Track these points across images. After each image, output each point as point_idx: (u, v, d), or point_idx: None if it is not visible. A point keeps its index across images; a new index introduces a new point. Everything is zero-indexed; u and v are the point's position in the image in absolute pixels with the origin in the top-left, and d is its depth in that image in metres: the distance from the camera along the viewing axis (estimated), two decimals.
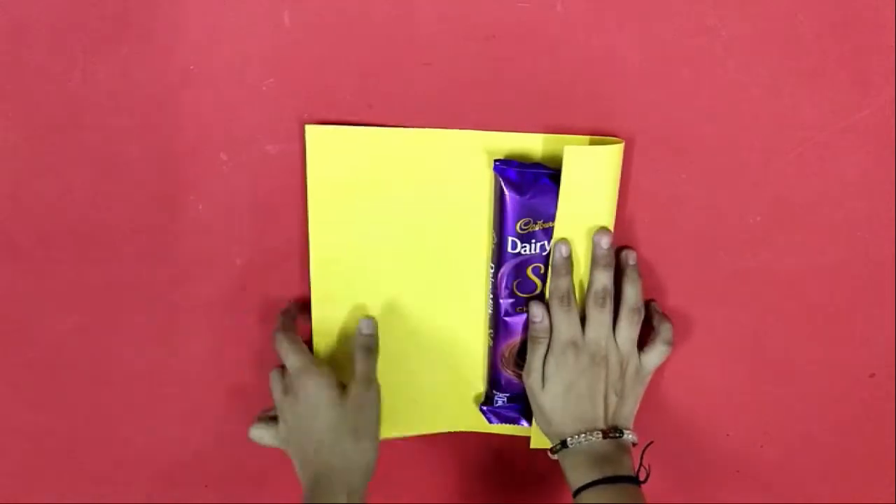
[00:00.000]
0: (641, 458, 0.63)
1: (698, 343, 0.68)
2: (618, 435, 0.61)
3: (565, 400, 0.62)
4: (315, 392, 0.62)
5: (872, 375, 0.69)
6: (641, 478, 0.61)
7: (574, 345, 0.61)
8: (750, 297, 0.66)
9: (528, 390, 0.64)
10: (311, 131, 0.60)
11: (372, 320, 0.65)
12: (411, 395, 0.68)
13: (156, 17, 0.58)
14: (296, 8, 0.58)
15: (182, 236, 0.64)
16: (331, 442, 0.62)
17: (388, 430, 0.68)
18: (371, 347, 0.65)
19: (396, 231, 0.63)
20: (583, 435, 0.61)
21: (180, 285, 0.66)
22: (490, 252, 0.63)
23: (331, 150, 0.60)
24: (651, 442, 0.64)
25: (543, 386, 0.62)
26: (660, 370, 0.67)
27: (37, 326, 0.68)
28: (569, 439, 0.61)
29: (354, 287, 0.65)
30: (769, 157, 0.62)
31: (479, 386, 0.69)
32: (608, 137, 0.60)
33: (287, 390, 0.64)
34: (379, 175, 0.61)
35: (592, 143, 0.59)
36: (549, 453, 0.63)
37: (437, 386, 0.68)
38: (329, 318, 0.66)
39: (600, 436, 0.61)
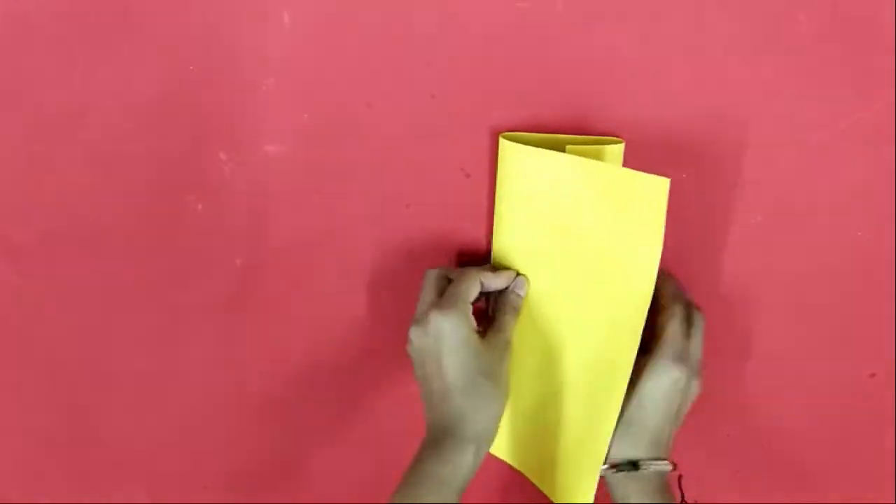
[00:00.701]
0: (681, 489, 0.60)
1: None
2: (673, 464, 0.58)
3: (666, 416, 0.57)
4: (450, 329, 0.56)
5: (872, 375, 0.69)
6: None
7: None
8: (750, 297, 0.66)
9: None
10: (504, 146, 0.58)
11: (526, 281, 0.61)
12: (530, 431, 0.65)
13: (156, 17, 0.58)
14: (296, 8, 0.58)
15: (182, 236, 0.64)
16: (463, 384, 0.55)
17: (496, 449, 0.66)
18: (518, 308, 0.60)
19: (559, 257, 0.60)
20: (655, 461, 0.57)
21: (180, 285, 0.66)
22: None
23: (519, 164, 0.58)
24: (681, 475, 0.61)
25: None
26: None
27: (37, 326, 0.68)
28: (641, 462, 0.57)
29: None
30: (769, 157, 0.62)
31: (596, 458, 0.60)
32: (608, 137, 0.60)
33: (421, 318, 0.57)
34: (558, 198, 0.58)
35: (594, 143, 0.59)
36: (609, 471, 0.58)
37: (555, 441, 0.63)
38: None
39: (668, 466, 0.57)
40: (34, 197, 0.63)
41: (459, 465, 0.54)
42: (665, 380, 0.56)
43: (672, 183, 0.62)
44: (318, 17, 0.58)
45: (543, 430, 0.64)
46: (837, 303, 0.66)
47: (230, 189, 0.63)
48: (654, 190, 0.52)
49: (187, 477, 0.74)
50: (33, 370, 0.69)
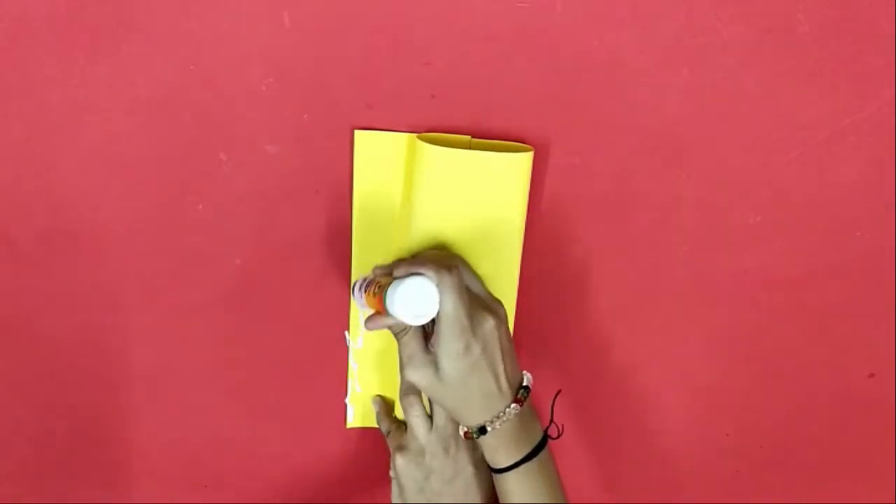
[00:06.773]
0: (552, 414, 0.60)
1: (698, 343, 0.68)
2: (523, 393, 0.58)
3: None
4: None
5: (872, 375, 0.69)
6: (553, 435, 0.59)
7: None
8: (750, 297, 0.66)
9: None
10: (359, 136, 0.61)
11: None
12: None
13: (156, 17, 0.58)
14: (296, 8, 0.58)
15: (182, 236, 0.64)
16: None
17: (371, 421, 0.69)
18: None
19: (424, 235, 0.62)
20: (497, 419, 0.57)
21: (180, 285, 0.66)
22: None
23: (375, 154, 0.61)
24: (560, 391, 0.61)
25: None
26: (659, 370, 0.67)
27: (37, 326, 0.68)
28: (488, 426, 0.57)
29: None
30: (769, 157, 0.62)
31: None
32: (519, 144, 0.60)
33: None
34: (412, 182, 0.61)
35: (502, 148, 0.60)
36: (462, 436, 0.60)
37: None
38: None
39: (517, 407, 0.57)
40: (34, 197, 0.63)
41: None
42: (454, 355, 0.56)
43: (672, 183, 0.63)
44: (318, 17, 0.58)
45: None
46: (837, 303, 0.66)
47: (230, 189, 0.63)
48: (520, 164, 0.59)
49: (187, 477, 0.74)
50: (33, 370, 0.69)
